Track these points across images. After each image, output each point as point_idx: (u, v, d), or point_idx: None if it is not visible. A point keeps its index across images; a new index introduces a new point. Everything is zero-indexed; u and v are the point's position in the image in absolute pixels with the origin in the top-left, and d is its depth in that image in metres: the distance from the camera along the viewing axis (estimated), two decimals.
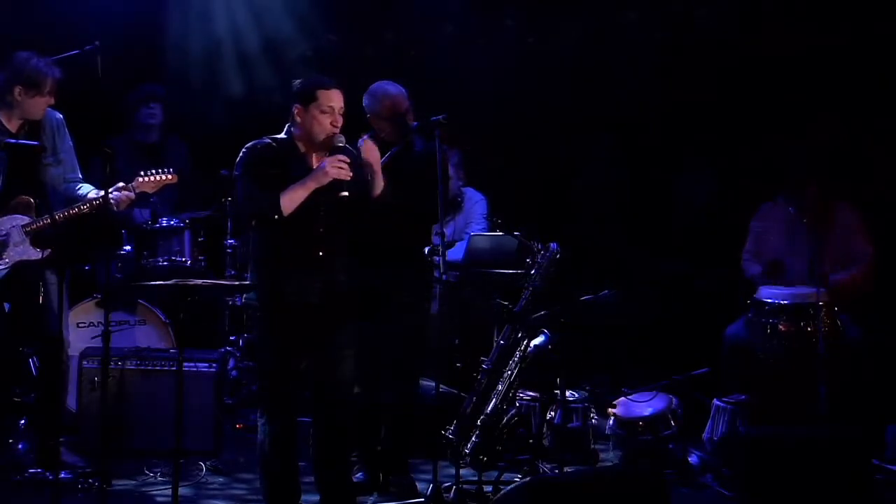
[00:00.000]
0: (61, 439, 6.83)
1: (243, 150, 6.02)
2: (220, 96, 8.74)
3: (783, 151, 7.59)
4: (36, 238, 6.75)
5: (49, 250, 6.75)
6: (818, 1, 8.16)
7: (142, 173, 6.88)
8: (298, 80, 6.05)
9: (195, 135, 8.65)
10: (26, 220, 6.75)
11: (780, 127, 8.07)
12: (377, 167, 6.14)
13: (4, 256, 6.73)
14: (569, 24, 8.53)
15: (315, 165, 6.01)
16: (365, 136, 6.31)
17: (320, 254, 5.98)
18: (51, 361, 6.85)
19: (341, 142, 5.97)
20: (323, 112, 5.94)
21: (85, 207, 6.72)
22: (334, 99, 5.96)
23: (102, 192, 6.63)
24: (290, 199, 5.89)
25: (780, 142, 7.83)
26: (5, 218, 6.74)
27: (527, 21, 8.75)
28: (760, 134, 8.25)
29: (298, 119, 5.99)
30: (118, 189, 6.71)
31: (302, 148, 6.03)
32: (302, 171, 5.97)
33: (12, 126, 6.81)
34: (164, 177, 6.90)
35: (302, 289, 5.97)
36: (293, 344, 5.99)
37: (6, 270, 6.73)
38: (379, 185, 6.14)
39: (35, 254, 6.74)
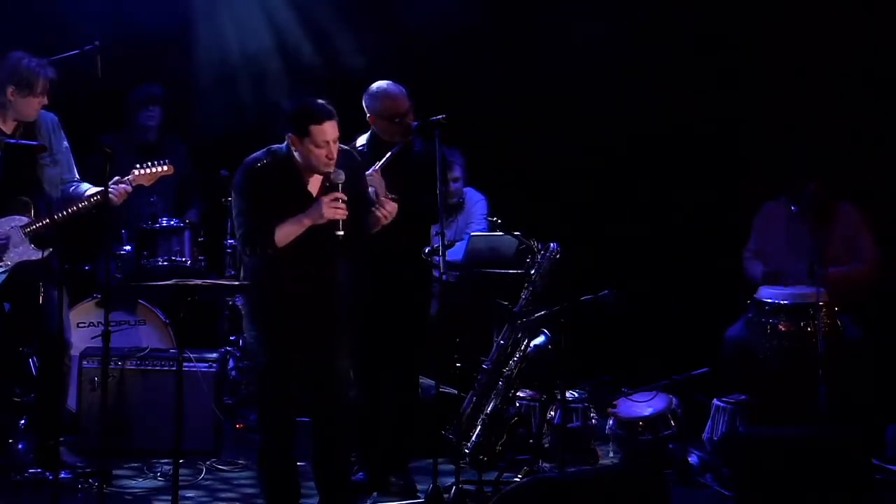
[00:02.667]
0: (61, 439, 6.83)
1: (240, 169, 6.00)
2: (222, 96, 8.73)
3: (784, 150, 7.58)
4: (36, 238, 6.74)
5: (49, 250, 6.74)
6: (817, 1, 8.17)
7: (137, 166, 6.86)
8: (290, 106, 6.00)
9: (195, 135, 8.64)
10: (25, 220, 6.75)
11: (782, 126, 8.07)
12: (381, 192, 6.10)
13: (5, 258, 6.73)
14: (569, 23, 8.53)
15: (311, 185, 5.99)
16: (374, 168, 6.24)
17: (314, 268, 5.99)
18: (51, 361, 6.83)
19: (340, 179, 5.92)
20: (318, 146, 5.89)
21: (84, 205, 6.71)
22: (328, 132, 5.89)
23: (100, 189, 6.62)
24: (285, 236, 5.89)
25: (782, 141, 7.83)
26: (4, 220, 6.74)
27: (528, 21, 8.75)
28: (762, 133, 8.25)
29: (293, 147, 5.95)
30: (115, 183, 6.69)
31: (299, 166, 5.99)
32: (298, 189, 5.96)
33: (7, 127, 6.79)
34: (159, 168, 6.89)
35: (301, 289, 5.97)
36: (291, 344, 5.99)
37: (7, 272, 6.73)
38: (378, 221, 6.08)
39: (35, 254, 6.74)
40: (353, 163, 6.12)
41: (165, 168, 6.89)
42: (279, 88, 8.67)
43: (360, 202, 6.04)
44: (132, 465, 7.00)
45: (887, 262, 7.51)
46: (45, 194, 6.78)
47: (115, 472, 6.81)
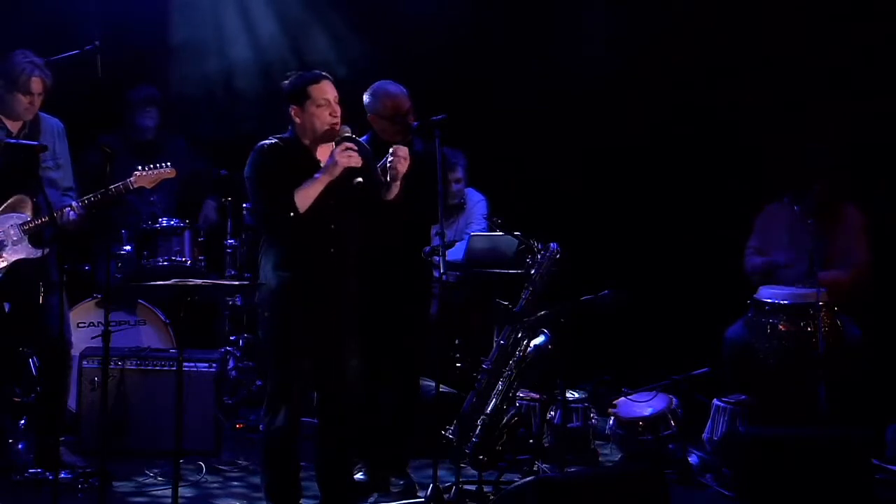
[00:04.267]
0: (61, 439, 6.83)
1: (252, 153, 6.02)
2: (221, 97, 8.74)
3: (787, 151, 7.58)
4: (35, 237, 6.74)
5: (48, 249, 6.74)
6: (819, 1, 8.17)
7: (139, 168, 6.87)
8: (286, 81, 6.03)
9: (194, 135, 8.64)
10: (25, 217, 6.74)
11: (784, 127, 8.07)
12: (399, 177, 6.08)
13: (3, 255, 6.73)
14: (570, 24, 8.54)
15: (322, 159, 6.01)
16: (401, 148, 6.11)
17: (332, 250, 5.99)
18: (52, 361, 6.84)
19: (347, 132, 5.96)
20: (319, 106, 5.93)
21: (86, 203, 6.70)
22: (327, 90, 5.95)
23: (101, 191, 6.62)
24: (305, 196, 5.88)
25: (782, 140, 7.83)
26: (2, 217, 6.73)
27: (528, 21, 8.76)
28: (763, 133, 8.26)
29: (297, 119, 5.98)
30: (73, 210, 6.67)
31: (307, 144, 6.02)
32: (310, 166, 5.97)
33: (13, 126, 6.80)
34: (162, 171, 6.89)
35: (311, 286, 5.97)
36: (299, 342, 5.99)
37: (5, 270, 6.72)
38: (394, 192, 6.09)
39: (34, 252, 6.73)
40: (362, 150, 6.14)
41: (167, 171, 6.90)
42: (279, 88, 8.66)
43: (372, 178, 6.04)
44: (132, 465, 6.99)
45: (887, 262, 7.51)
46: (45, 194, 6.76)
47: (115, 472, 6.79)
